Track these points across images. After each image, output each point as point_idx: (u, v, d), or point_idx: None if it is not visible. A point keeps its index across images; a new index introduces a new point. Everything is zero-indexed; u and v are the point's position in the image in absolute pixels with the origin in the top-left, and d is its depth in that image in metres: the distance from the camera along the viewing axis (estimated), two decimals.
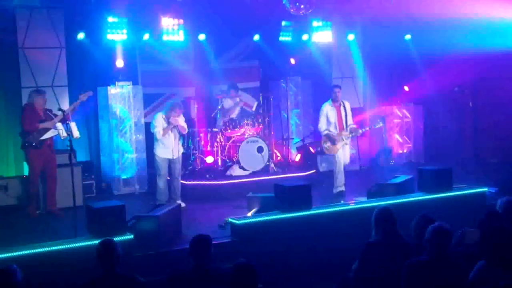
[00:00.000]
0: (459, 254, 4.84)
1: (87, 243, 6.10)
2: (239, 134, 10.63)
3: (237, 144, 10.39)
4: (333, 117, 9.46)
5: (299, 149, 12.14)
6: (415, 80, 13.17)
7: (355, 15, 12.04)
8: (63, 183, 8.73)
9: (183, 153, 9.47)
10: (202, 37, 11.47)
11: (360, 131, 9.92)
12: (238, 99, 11.02)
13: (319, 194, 9.10)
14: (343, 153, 9.56)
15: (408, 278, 4.37)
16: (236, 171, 10.35)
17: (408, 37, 12.84)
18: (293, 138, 12.46)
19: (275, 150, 11.44)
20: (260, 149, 10.35)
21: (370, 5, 11.05)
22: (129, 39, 10.35)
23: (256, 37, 12.18)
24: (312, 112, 12.81)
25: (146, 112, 11.04)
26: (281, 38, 12.21)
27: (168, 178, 9.10)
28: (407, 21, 11.59)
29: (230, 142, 10.58)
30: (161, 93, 11.80)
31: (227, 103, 11.08)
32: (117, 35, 10.09)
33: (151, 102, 11.56)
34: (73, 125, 8.11)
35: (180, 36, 10.69)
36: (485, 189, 8.62)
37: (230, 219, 7.31)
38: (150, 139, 9.54)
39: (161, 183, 8.98)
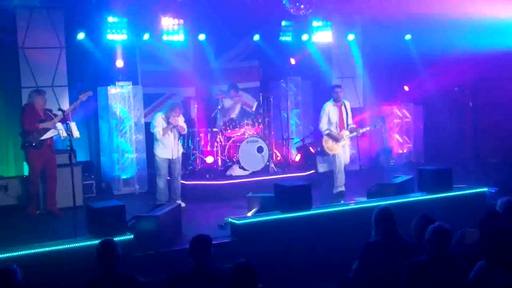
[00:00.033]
0: (459, 254, 4.84)
1: (87, 243, 6.10)
2: (239, 134, 10.63)
3: (237, 144, 10.40)
4: (335, 117, 9.44)
5: (299, 149, 12.14)
6: (415, 80, 13.18)
7: (355, 15, 12.04)
8: (63, 183, 8.72)
9: (183, 153, 9.47)
10: (202, 37, 11.47)
11: (361, 130, 9.93)
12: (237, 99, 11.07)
13: (319, 194, 9.10)
14: (344, 153, 9.56)
15: (408, 278, 4.37)
16: (236, 171, 10.36)
17: (408, 37, 12.84)
18: (293, 138, 12.46)
19: (275, 150, 11.44)
20: (260, 149, 10.36)
21: (370, 5, 11.05)
22: (129, 39, 10.35)
23: (256, 37, 12.18)
24: (312, 112, 12.82)
25: (146, 112, 11.04)
26: (281, 38, 12.21)
27: (168, 178, 9.10)
28: (407, 21, 11.59)
29: (230, 142, 10.58)
30: (161, 93, 11.80)
31: (228, 102, 11.10)
32: (117, 35, 10.09)
33: (151, 102, 11.56)
34: (73, 125, 8.11)
35: (180, 36, 10.70)
36: (485, 189, 8.62)
37: (230, 219, 7.31)
38: (150, 139, 9.53)
39: (161, 183, 8.98)
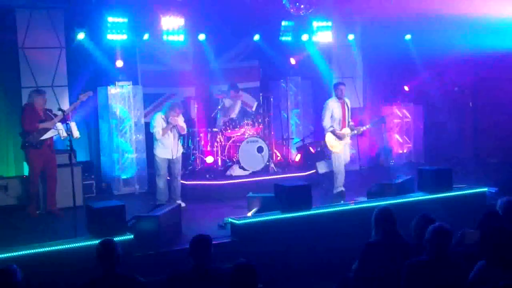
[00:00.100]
0: (459, 254, 4.84)
1: (87, 243, 6.10)
2: (239, 134, 10.64)
3: (237, 144, 10.40)
4: (338, 113, 9.39)
5: (299, 149, 12.14)
6: (415, 80, 13.18)
7: (355, 15, 12.05)
8: (63, 183, 8.72)
9: (183, 153, 9.47)
10: (202, 37, 11.46)
11: (362, 128, 9.94)
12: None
13: (319, 194, 9.10)
14: (344, 151, 9.56)
15: (408, 278, 4.37)
16: (236, 171, 10.36)
17: (408, 37, 12.84)
18: (293, 138, 12.46)
19: (275, 150, 11.44)
20: (260, 149, 10.36)
21: (370, 5, 11.05)
22: (129, 39, 10.35)
23: (256, 37, 12.18)
24: (312, 112, 12.83)
25: (146, 112, 11.04)
26: (281, 38, 12.21)
27: (168, 178, 9.10)
28: (407, 21, 11.59)
29: (230, 142, 10.59)
30: (161, 93, 11.80)
31: (228, 102, 11.10)
32: (117, 35, 10.09)
33: (151, 102, 11.56)
34: (73, 125, 8.12)
35: (180, 36, 10.69)
36: (485, 189, 8.62)
37: (230, 219, 7.31)
38: (150, 139, 9.53)
39: (161, 183, 8.97)
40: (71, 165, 7.77)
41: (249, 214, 7.77)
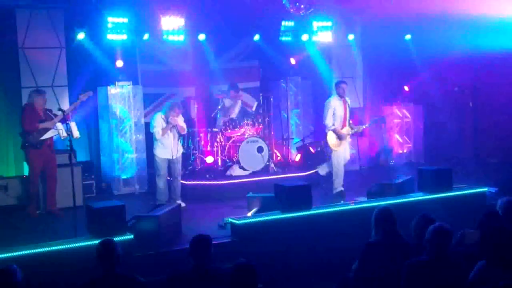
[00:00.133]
0: (459, 254, 4.84)
1: (87, 243, 6.10)
2: (239, 134, 10.64)
3: (237, 144, 10.40)
4: (340, 112, 9.37)
5: (299, 149, 12.13)
6: (415, 80, 13.18)
7: (355, 15, 12.05)
8: (63, 183, 8.72)
9: (183, 153, 9.47)
10: (202, 37, 11.46)
11: (362, 127, 9.95)
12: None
13: (319, 194, 9.10)
14: (344, 150, 9.56)
15: (408, 278, 4.37)
16: (236, 171, 10.36)
17: (408, 37, 12.84)
18: (293, 138, 12.46)
19: (275, 150, 11.44)
20: (260, 149, 10.36)
21: (370, 5, 11.05)
22: (129, 39, 10.35)
23: (256, 37, 12.18)
24: (312, 112, 12.83)
25: (146, 112, 11.04)
26: (281, 38, 12.21)
27: (168, 178, 9.10)
28: (407, 21, 11.59)
29: (230, 142, 10.59)
30: (161, 93, 11.80)
31: (228, 102, 11.10)
32: (117, 35, 10.09)
33: (151, 102, 11.56)
34: (73, 125, 8.12)
35: (180, 36, 10.69)
36: (485, 189, 8.62)
37: (230, 219, 7.30)
38: (150, 139, 9.53)
39: (161, 183, 8.97)
40: (71, 165, 7.77)
41: (249, 214, 7.77)
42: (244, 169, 10.32)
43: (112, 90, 10.44)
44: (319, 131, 11.53)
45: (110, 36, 10.08)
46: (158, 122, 8.85)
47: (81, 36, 10.09)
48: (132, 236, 6.38)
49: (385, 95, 13.36)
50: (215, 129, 10.89)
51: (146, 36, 10.71)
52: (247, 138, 10.38)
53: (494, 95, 12.78)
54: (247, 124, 10.72)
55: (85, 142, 10.87)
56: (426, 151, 13.43)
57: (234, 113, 11.05)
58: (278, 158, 11.50)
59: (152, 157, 9.21)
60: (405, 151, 13.34)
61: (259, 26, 11.94)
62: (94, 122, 10.99)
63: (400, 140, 13.32)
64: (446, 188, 8.25)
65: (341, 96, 9.43)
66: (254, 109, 11.48)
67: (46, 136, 8.54)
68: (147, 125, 9.85)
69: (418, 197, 8.15)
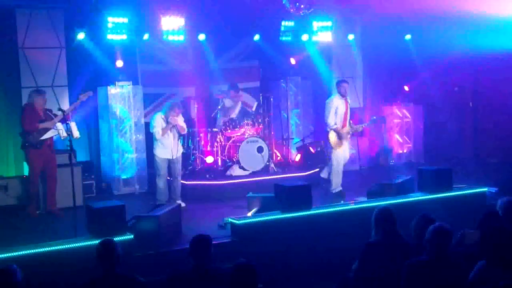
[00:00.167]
0: (459, 254, 4.84)
1: (87, 243, 6.10)
2: (239, 134, 10.64)
3: (237, 144, 10.40)
4: (341, 111, 9.37)
5: (299, 149, 12.13)
6: (415, 80, 13.18)
7: (355, 15, 12.05)
8: (63, 183, 8.72)
9: (183, 153, 9.47)
10: (202, 37, 11.46)
11: (361, 126, 9.95)
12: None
13: (319, 194, 9.10)
14: (344, 150, 9.56)
15: (408, 278, 4.37)
16: (236, 171, 10.36)
17: (408, 37, 12.84)
18: (293, 138, 12.45)
19: (275, 150, 11.44)
20: (260, 149, 10.36)
21: (370, 5, 11.05)
22: (129, 39, 10.34)
23: (256, 37, 12.17)
24: (312, 112, 12.83)
25: (146, 112, 11.04)
26: (281, 38, 12.20)
27: (168, 178, 9.10)
28: (407, 21, 11.59)
29: (230, 142, 10.58)
30: (161, 93, 11.80)
31: (228, 102, 11.10)
32: (117, 35, 10.08)
33: (151, 102, 11.56)
34: (73, 125, 8.12)
35: (180, 36, 10.68)
36: (485, 189, 8.62)
37: (230, 219, 7.31)
38: (150, 139, 9.53)
39: (161, 183, 8.97)
40: (71, 165, 7.77)
41: (249, 214, 7.77)
42: (244, 169, 10.31)
43: (112, 90, 10.44)
44: (319, 131, 11.53)
45: (110, 36, 10.07)
46: (158, 122, 8.84)
47: (81, 36, 10.09)
48: (132, 236, 6.38)
49: (385, 95, 13.36)
50: (215, 129, 10.89)
51: (146, 36, 10.70)
52: (247, 138, 10.38)
53: (494, 95, 12.78)
54: (247, 124, 10.72)
55: (85, 142, 10.87)
56: (426, 151, 13.43)
57: (234, 113, 11.05)
58: (278, 158, 11.50)
59: (152, 157, 9.21)
60: (405, 151, 13.34)
61: (259, 26, 11.93)
62: (94, 122, 11.00)
63: (400, 140, 13.32)
64: (446, 188, 8.25)
65: (342, 95, 9.43)
66: (254, 109, 11.48)
67: (46, 136, 8.54)
68: (147, 125, 9.85)
69: (418, 197, 8.15)
